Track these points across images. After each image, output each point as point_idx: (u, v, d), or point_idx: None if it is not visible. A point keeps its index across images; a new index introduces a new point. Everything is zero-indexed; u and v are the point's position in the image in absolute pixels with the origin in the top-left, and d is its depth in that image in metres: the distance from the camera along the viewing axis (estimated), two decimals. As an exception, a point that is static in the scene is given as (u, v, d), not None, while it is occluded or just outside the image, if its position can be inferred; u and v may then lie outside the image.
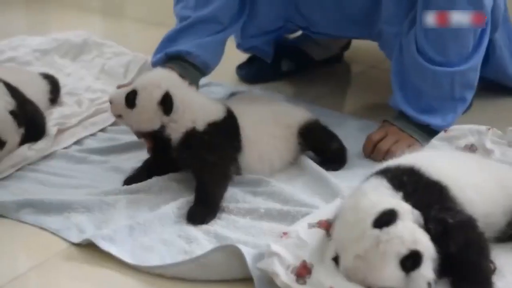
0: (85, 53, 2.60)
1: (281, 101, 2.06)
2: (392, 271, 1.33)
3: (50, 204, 1.76)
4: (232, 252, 1.53)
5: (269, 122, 1.88)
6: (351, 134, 2.08)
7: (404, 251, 1.34)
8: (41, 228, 1.72)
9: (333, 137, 1.94)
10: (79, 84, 2.39)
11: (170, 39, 2.05)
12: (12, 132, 1.96)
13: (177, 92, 1.77)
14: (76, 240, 1.66)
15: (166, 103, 1.75)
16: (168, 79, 1.80)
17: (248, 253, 1.52)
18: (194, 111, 1.78)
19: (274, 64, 2.43)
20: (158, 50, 2.06)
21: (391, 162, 1.56)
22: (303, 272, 1.43)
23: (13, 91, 2.03)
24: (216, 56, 2.08)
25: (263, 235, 1.64)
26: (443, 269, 1.37)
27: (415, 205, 1.40)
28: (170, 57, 2.02)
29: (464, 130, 1.89)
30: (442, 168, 1.51)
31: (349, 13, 2.11)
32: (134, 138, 1.97)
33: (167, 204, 1.75)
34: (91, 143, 2.10)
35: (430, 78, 1.94)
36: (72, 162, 2.00)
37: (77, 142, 2.09)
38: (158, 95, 1.75)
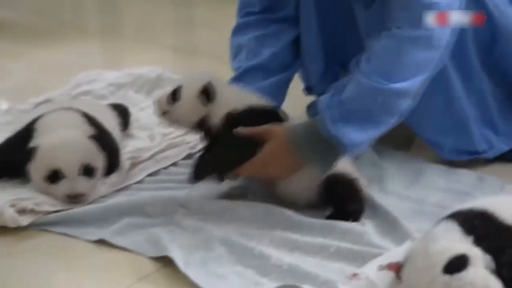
0: (159, 88, 2.63)
1: None
2: (463, 318, 1.32)
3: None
4: (299, 291, 1.54)
5: None
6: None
7: (475, 297, 1.32)
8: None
9: (356, 197, 1.89)
10: (152, 119, 2.41)
11: None
12: (98, 156, 1.99)
13: (217, 83, 1.90)
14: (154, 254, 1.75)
15: (208, 91, 1.87)
16: (208, 74, 1.93)
17: (314, 293, 1.53)
18: (234, 96, 1.91)
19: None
20: None
21: (464, 206, 1.55)
22: (373, 314, 1.43)
23: (93, 122, 2.07)
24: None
25: (333, 274, 1.64)
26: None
27: (486, 250, 1.38)
28: None
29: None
30: (517, 214, 1.48)
31: None
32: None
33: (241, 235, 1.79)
34: (162, 178, 2.13)
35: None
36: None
37: (150, 175, 2.12)
38: (199, 85, 1.88)
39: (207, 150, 1.94)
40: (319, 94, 2.26)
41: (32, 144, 1.97)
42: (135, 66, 2.80)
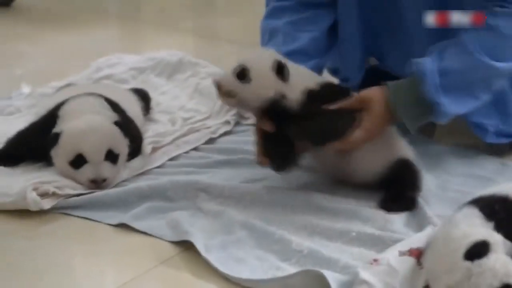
0: (179, 72, 2.64)
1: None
2: (484, 304, 1.32)
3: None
4: (319, 276, 1.55)
5: None
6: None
7: (496, 284, 1.32)
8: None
9: (417, 187, 1.89)
10: (173, 103, 2.43)
11: None
12: (122, 142, 2.00)
13: (284, 60, 1.83)
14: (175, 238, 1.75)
15: (281, 69, 1.80)
16: (272, 52, 1.87)
17: (334, 279, 1.54)
18: (303, 73, 1.86)
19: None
20: None
21: (486, 192, 1.55)
22: (394, 300, 1.43)
23: (116, 107, 2.08)
24: None
25: (353, 259, 1.64)
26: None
27: (507, 235, 1.38)
28: None
29: None
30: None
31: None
32: (227, 156, 2.08)
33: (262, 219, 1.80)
34: (183, 162, 2.13)
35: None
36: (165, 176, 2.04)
37: (171, 159, 2.13)
38: (271, 63, 1.80)
39: (277, 132, 1.84)
40: (355, 84, 2.24)
41: (56, 129, 1.98)
42: (154, 51, 2.80)
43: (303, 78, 1.85)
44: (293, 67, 1.85)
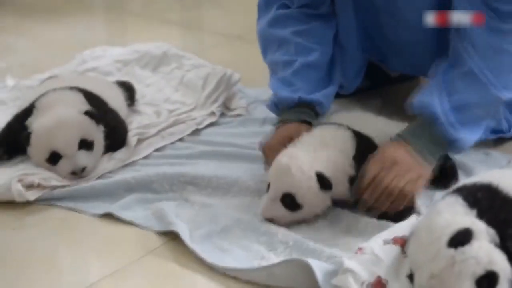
0: (164, 64, 2.63)
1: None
2: (468, 291, 1.33)
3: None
4: (304, 266, 1.56)
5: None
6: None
7: (479, 271, 1.33)
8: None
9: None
10: (158, 95, 2.43)
11: (287, 82, 2.01)
12: (95, 130, 2.00)
13: (319, 164, 1.76)
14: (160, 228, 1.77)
15: (324, 181, 1.75)
16: (299, 161, 1.75)
17: (319, 268, 1.55)
18: (334, 159, 1.78)
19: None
20: (280, 90, 2.00)
21: (468, 180, 1.56)
22: (378, 288, 1.44)
23: (94, 100, 2.08)
24: (331, 103, 2.07)
25: (339, 250, 1.65)
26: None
27: (490, 222, 1.39)
28: (301, 103, 1.98)
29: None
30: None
31: (419, 60, 2.11)
32: (212, 147, 2.10)
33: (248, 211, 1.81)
34: (169, 153, 2.14)
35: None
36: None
37: (156, 150, 2.14)
38: (314, 182, 1.74)
39: None
40: (350, 91, 2.25)
41: (28, 125, 1.99)
42: (140, 43, 2.79)
43: (337, 163, 1.78)
44: (317, 158, 1.77)
